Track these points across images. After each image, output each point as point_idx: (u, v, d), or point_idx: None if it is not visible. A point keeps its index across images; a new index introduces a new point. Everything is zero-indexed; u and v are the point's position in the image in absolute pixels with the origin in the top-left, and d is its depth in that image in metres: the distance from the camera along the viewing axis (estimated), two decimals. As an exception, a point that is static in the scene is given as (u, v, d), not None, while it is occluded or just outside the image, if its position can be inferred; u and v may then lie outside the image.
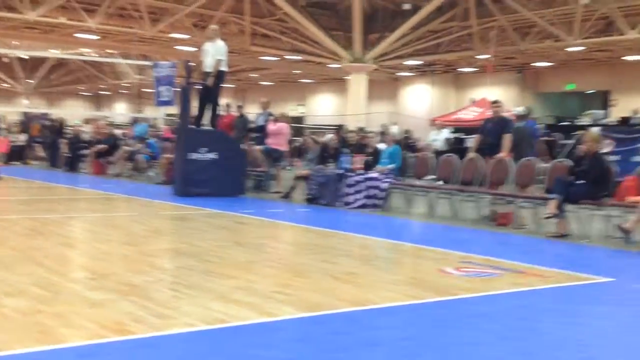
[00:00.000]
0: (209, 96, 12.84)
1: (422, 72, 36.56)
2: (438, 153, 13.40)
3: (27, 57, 45.84)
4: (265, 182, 13.65)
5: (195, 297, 4.84)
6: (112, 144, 17.85)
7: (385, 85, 37.88)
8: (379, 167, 11.69)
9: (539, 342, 4.13)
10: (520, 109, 13.28)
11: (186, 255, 6.66)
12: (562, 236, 8.70)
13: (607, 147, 12.41)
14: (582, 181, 8.79)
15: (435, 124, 24.73)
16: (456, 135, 16.17)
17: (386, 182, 11.33)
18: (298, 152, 14.26)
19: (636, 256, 7.63)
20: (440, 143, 16.65)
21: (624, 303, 5.42)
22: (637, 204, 8.07)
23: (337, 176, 11.71)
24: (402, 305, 4.87)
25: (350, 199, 11.47)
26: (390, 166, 11.56)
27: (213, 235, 8.19)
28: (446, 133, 16.98)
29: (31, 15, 26.78)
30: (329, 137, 13.80)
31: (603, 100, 31.05)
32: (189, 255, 6.58)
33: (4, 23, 29.48)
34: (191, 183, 12.16)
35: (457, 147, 15.52)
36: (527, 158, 10.46)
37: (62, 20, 28.59)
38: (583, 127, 16.64)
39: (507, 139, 10.79)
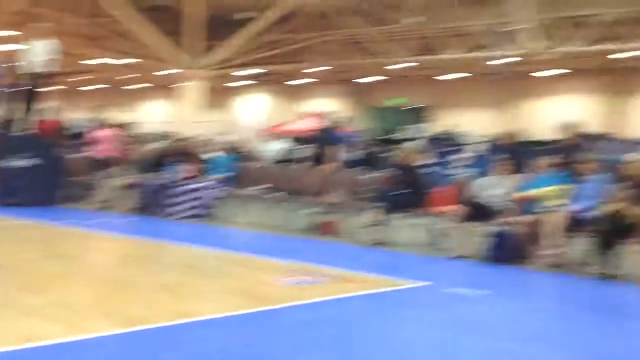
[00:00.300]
0: (29, 99, 12.05)
1: (258, 81, 36.86)
2: (276, 163, 13.48)
3: None
4: (87, 191, 13.00)
5: (6, 313, 4.52)
6: None
7: (219, 93, 37.68)
8: (209, 176, 11.58)
9: (358, 347, 4.28)
10: (324, 120, 13.99)
11: (-4, 269, 6.19)
12: (382, 243, 9.11)
13: (425, 159, 13.19)
14: (402, 191, 9.27)
15: (270, 133, 25.01)
16: (290, 145, 16.44)
17: (216, 191, 11.25)
18: (124, 160, 13.72)
19: (449, 261, 8.15)
20: (277, 153, 16.80)
21: (438, 306, 5.76)
22: (451, 212, 8.64)
23: (165, 185, 11.45)
24: (228, 316, 4.85)
25: (179, 208, 11.24)
26: (222, 175, 11.50)
27: (26, 248, 7.66)
28: (283, 143, 17.19)
29: None
30: (158, 144, 13.45)
31: (426, 114, 33.05)
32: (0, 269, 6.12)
33: None
34: (4, 192, 11.28)
35: (290, 157, 15.77)
36: (354, 168, 10.88)
37: None
38: (406, 140, 17.58)
39: (334, 150, 11.14)
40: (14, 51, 24.06)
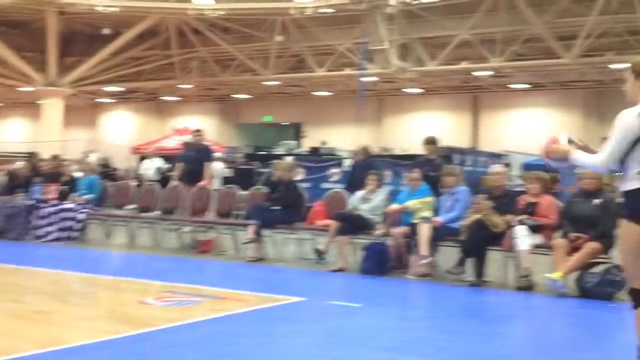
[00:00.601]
0: None
1: (124, 99, 35.81)
2: (149, 181, 13.06)
3: None
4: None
5: None
6: None
7: (84, 111, 36.28)
8: (75, 197, 11.05)
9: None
10: (188, 138, 14.24)
11: None
12: (260, 260, 9.09)
13: (299, 175, 13.36)
14: (277, 207, 9.31)
15: (140, 151, 24.35)
16: (162, 163, 16.04)
17: (83, 212, 10.76)
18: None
19: (326, 275, 8.25)
20: (152, 172, 16.33)
21: (314, 320, 5.81)
22: (327, 227, 8.76)
23: (28, 207, 10.84)
24: (98, 342, 4.63)
25: (43, 231, 10.67)
26: (88, 196, 11.01)
27: None
28: (158, 162, 16.71)
29: None
30: (18, 165, 12.72)
31: (296, 131, 33.46)
32: None
33: None
34: None
35: (162, 175, 15.38)
36: (228, 185, 10.78)
37: None
38: (279, 156, 17.71)
39: (208, 167, 11.01)
40: None
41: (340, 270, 8.30)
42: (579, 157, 3.92)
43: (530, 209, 7.64)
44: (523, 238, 7.29)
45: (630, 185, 3.70)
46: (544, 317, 6.57)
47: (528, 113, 29.12)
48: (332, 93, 31.82)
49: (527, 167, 17.52)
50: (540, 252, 7.49)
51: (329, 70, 26.99)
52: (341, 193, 9.75)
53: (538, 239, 7.43)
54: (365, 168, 11.37)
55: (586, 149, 4.00)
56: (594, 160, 3.89)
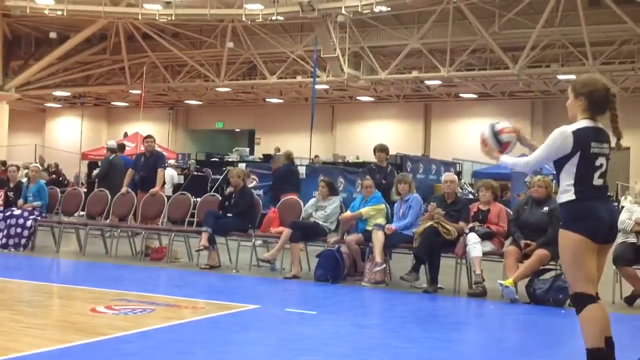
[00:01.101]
0: None
1: (72, 104, 35.13)
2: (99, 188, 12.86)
3: None
4: None
5: None
6: None
7: (30, 116, 35.48)
8: (21, 202, 10.76)
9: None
10: (111, 143, 14.59)
11: None
12: (213, 267, 9.03)
13: (252, 182, 13.33)
14: (231, 214, 9.26)
15: (87, 158, 23.90)
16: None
17: (31, 219, 10.49)
18: None
19: (279, 283, 8.24)
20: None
21: (268, 328, 5.80)
22: (279, 234, 8.76)
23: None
24: (50, 351, 4.53)
25: (-9, 238, 10.36)
26: (37, 203, 10.74)
27: None
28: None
29: None
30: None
31: (249, 138, 33.36)
32: None
33: None
34: None
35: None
36: (180, 192, 10.69)
37: None
38: (231, 163, 17.62)
39: (160, 173, 10.90)
40: None
41: (294, 277, 8.31)
42: (505, 160, 4.24)
43: (482, 217, 7.79)
44: (475, 245, 7.42)
45: (564, 197, 3.98)
46: (497, 324, 6.71)
47: (478, 122, 29.64)
48: (284, 100, 31.87)
49: (478, 175, 17.89)
50: (491, 259, 7.65)
51: (281, 78, 27.02)
52: (295, 200, 9.76)
53: (489, 246, 7.58)
54: (287, 174, 11.57)
55: (522, 138, 4.31)
56: (518, 162, 4.24)
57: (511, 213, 7.86)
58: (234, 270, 8.97)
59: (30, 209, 10.59)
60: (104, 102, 35.36)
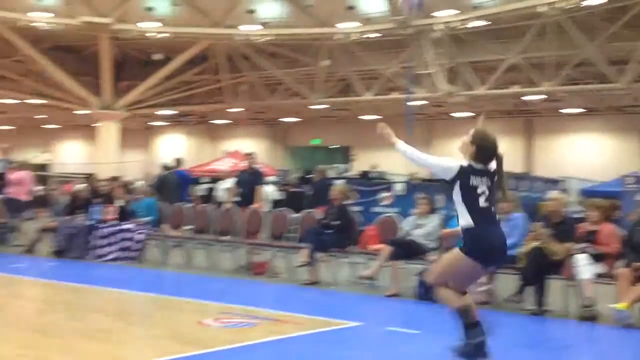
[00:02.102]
0: None
1: (176, 122, 36.51)
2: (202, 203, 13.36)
3: None
4: (5, 235, 12.45)
5: None
6: None
7: (138, 133, 37.09)
8: (134, 218, 11.27)
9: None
10: (165, 161, 15.38)
11: None
12: (314, 283, 9.11)
13: (352, 198, 13.37)
14: (330, 231, 9.33)
15: (191, 174, 24.65)
16: (213, 186, 16.30)
17: (141, 233, 10.98)
18: (43, 202, 13.24)
19: (380, 300, 8.21)
20: (223, 193, 16.56)
21: (373, 346, 5.78)
22: (378, 251, 8.74)
23: (88, 227, 11.10)
24: (160, 362, 4.72)
25: (103, 251, 10.92)
26: (147, 219, 11.24)
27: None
28: (228, 183, 16.98)
29: None
30: (80, 186, 13.06)
31: (345, 154, 33.51)
32: None
33: None
34: None
35: (214, 197, 15.67)
36: (279, 209, 10.89)
37: None
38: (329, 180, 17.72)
39: (259, 190, 11.15)
40: None
41: (394, 295, 8.25)
42: (401, 147, 5.01)
43: (591, 237, 7.50)
44: (585, 267, 7.15)
45: (461, 221, 4.67)
46: (609, 349, 6.43)
47: (584, 138, 28.64)
48: (380, 116, 31.85)
49: (586, 193, 17.14)
50: (602, 282, 7.33)
51: (376, 94, 27.06)
52: (393, 217, 9.72)
53: (600, 267, 7.28)
54: (321, 189, 11.53)
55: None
56: (413, 152, 4.95)
57: (622, 233, 7.52)
58: (335, 287, 9.01)
59: (141, 223, 11.08)
60: (205, 120, 36.52)
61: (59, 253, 11.24)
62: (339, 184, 12.37)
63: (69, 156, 39.73)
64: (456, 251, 4.72)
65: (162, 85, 29.52)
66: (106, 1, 25.42)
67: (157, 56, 29.23)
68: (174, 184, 13.17)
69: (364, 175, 19.02)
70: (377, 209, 13.08)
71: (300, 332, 6.01)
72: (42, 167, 31.12)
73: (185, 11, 26.16)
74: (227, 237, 10.69)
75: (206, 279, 9.67)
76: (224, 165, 24.39)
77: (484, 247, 4.61)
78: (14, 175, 12.61)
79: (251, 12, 25.58)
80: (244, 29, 25.75)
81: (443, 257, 4.99)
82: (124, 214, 11.33)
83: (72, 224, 11.35)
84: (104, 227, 11.05)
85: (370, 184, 15.42)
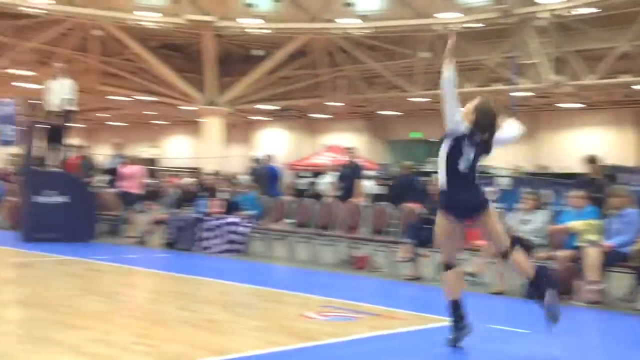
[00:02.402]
0: (56, 136, 12.27)
1: (277, 116, 37.13)
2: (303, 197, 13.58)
3: None
4: (118, 227, 13.11)
5: (45, 350, 4.52)
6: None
7: (240, 128, 38.00)
8: (238, 211, 11.57)
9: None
10: (257, 154, 15.97)
11: (34, 305, 6.24)
12: (415, 279, 9.04)
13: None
14: (431, 225, 9.18)
15: (292, 168, 25.07)
16: (314, 179, 16.47)
17: (246, 226, 11.26)
18: (154, 196, 13.83)
19: (485, 298, 8.04)
20: (324, 187, 16.78)
21: (479, 344, 5.65)
22: (482, 247, 8.55)
23: (196, 220, 11.50)
24: (265, 354, 4.81)
25: (210, 243, 11.28)
26: (251, 212, 11.52)
27: (63, 284, 7.74)
28: (330, 177, 17.19)
29: None
30: (189, 180, 13.57)
31: (445, 148, 32.90)
32: (37, 306, 6.18)
33: None
34: (38, 227, 11.44)
35: (314, 191, 15.84)
36: (379, 203, 10.86)
37: None
38: (429, 174, 17.51)
39: (358, 184, 11.16)
40: (34, 90, 24.63)
41: (500, 293, 8.06)
42: (447, 74, 5.27)
43: None
44: None
45: (440, 181, 5.20)
46: None
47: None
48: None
49: None
50: None
51: (478, 86, 26.45)
52: (499, 212, 9.45)
53: None
54: (406, 184, 11.40)
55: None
56: (448, 90, 5.26)
57: None
58: (436, 283, 8.87)
59: (245, 216, 11.36)
60: (305, 115, 36.94)
61: (169, 245, 11.71)
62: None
63: (175, 151, 41.29)
64: (437, 216, 5.28)
65: (263, 80, 30.08)
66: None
67: (257, 52, 29.82)
68: (264, 178, 13.41)
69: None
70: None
71: (404, 328, 5.98)
72: (151, 161, 32.42)
73: (285, 6, 26.51)
74: (328, 231, 10.78)
75: (308, 272, 9.80)
76: (324, 159, 24.61)
77: (451, 203, 5.17)
78: (126, 170, 13.25)
79: (349, 5, 25.61)
80: (343, 22, 25.81)
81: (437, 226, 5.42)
82: (229, 208, 11.64)
83: (180, 216, 11.78)
84: (210, 220, 11.41)
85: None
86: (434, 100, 30.34)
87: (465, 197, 5.14)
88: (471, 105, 5.19)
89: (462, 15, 24.23)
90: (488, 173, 16.80)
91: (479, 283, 8.62)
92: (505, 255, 5.24)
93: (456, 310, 5.35)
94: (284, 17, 26.51)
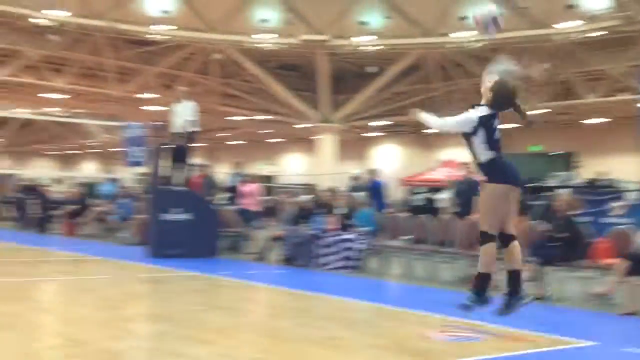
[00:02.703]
0: (180, 156, 12.83)
1: (390, 132, 37.08)
2: (418, 213, 13.42)
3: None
4: (238, 243, 13.50)
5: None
6: (83, 204, 17.55)
7: (353, 145, 38.25)
8: (354, 228, 11.61)
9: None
10: (357, 172, 15.61)
11: (162, 319, 6.49)
12: (540, 298, 8.69)
13: (580, 208, 12.59)
14: (556, 243, 8.84)
15: (407, 184, 24.90)
16: (429, 195, 16.27)
17: (362, 243, 11.27)
18: (271, 212, 14.16)
19: (614, 319, 7.62)
20: (442, 203, 16.56)
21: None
22: (612, 266, 8.12)
23: (312, 237, 11.63)
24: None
25: (326, 259, 11.36)
26: (366, 229, 11.52)
27: (189, 298, 8.01)
28: (446, 193, 17.01)
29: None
30: (306, 197, 13.79)
31: (566, 161, 31.64)
32: (166, 320, 6.42)
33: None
34: (165, 244, 11.97)
35: (430, 207, 15.63)
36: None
37: (31, 80, 28.44)
38: (551, 189, 16.90)
39: (477, 201, 10.87)
40: (160, 112, 25.94)
41: (631, 314, 7.60)
42: (425, 118, 6.09)
43: None
44: None
45: (483, 158, 5.71)
46: None
47: None
48: (607, 119, 29.71)
49: None
50: None
51: (602, 96, 25.27)
52: (627, 229, 8.97)
53: None
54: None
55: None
56: (435, 123, 6.09)
57: None
58: (563, 303, 8.53)
59: (361, 233, 11.38)
60: (418, 130, 36.62)
61: (287, 260, 11.90)
62: (564, 193, 11.72)
63: (291, 168, 42.11)
64: (488, 188, 5.62)
65: (376, 96, 30.18)
66: (323, 19, 26.63)
67: (371, 69, 29.96)
68: (368, 194, 13.17)
69: (591, 183, 17.82)
70: (607, 220, 12.19)
71: (533, 350, 5.76)
72: (268, 178, 33.22)
73: (397, 22, 26.53)
74: (446, 248, 10.59)
75: (426, 290, 9.65)
76: (439, 174, 24.28)
77: (508, 169, 5.70)
78: (245, 188, 13.64)
79: (463, 19, 25.26)
80: (457, 36, 25.49)
81: (480, 203, 5.87)
82: (345, 224, 11.70)
83: (298, 233, 11.96)
84: (326, 236, 11.51)
85: (599, 192, 14.41)
86: (554, 112, 29.29)
87: (513, 166, 5.76)
88: (488, 84, 5.74)
89: (583, 23, 23.30)
90: (614, 187, 15.96)
91: (609, 303, 8.18)
92: (507, 240, 5.78)
93: (487, 284, 5.94)
94: (395, 33, 26.53)
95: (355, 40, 27.02)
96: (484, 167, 5.75)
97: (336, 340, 5.78)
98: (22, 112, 37.63)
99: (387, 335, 6.36)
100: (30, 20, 25.24)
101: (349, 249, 11.24)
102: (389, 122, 33.76)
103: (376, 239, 11.58)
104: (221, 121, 35.40)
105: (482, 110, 5.73)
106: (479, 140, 5.68)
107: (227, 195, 14.33)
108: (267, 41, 27.50)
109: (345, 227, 11.66)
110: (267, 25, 27.43)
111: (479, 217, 5.97)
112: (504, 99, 5.69)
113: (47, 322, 6.46)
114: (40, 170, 48.82)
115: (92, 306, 7.18)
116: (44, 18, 25.24)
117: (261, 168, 37.56)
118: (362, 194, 13.35)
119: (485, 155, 5.66)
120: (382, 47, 26.76)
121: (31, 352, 4.94)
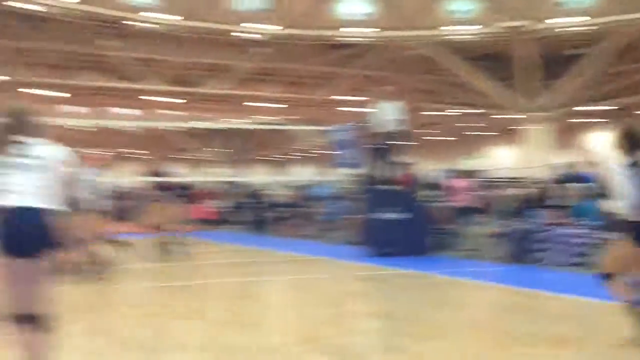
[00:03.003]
0: (390, 156, 12.97)
1: (603, 117, 34.62)
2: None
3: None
4: (449, 240, 13.32)
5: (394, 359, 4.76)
6: (300, 206, 18.49)
7: (562, 133, 36.26)
8: (577, 221, 10.94)
9: None
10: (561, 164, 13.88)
11: (385, 316, 6.59)
12: None
13: None
14: None
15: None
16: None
17: (590, 237, 10.57)
18: (485, 208, 13.79)
19: None
20: None
21: None
22: None
23: (532, 231, 11.15)
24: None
25: (548, 255, 10.83)
26: (592, 222, 10.79)
27: (410, 296, 8.07)
28: None
29: (216, 89, 28.86)
30: (517, 191, 13.26)
31: None
32: (389, 317, 6.51)
33: (190, 97, 32.00)
34: (380, 243, 12.22)
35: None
36: None
37: (244, 92, 30.47)
38: None
39: None
40: (358, 113, 26.46)
41: None
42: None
43: None
44: None
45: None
46: None
47: None
48: None
49: None
50: None
51: None
52: None
53: None
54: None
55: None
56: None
57: None
58: None
59: (586, 227, 10.72)
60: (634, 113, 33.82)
61: (505, 257, 11.51)
62: None
63: (497, 161, 40.87)
64: (628, 244, 5.06)
65: (585, 81, 28.32)
66: (518, 4, 25.52)
67: (573, 51, 28.19)
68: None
69: None
70: None
71: None
72: (477, 173, 32.54)
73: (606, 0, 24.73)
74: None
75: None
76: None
77: None
78: (456, 183, 13.43)
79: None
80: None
81: (617, 250, 5.39)
82: (568, 218, 11.07)
83: (515, 228, 11.53)
84: (547, 230, 10.97)
85: None
86: None
87: None
88: (616, 136, 5.28)
89: None
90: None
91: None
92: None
93: None
94: (605, 11, 24.71)
95: (559, 21, 25.55)
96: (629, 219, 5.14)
97: (569, 343, 5.47)
98: (241, 122, 39.93)
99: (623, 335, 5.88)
100: (234, 34, 26.84)
101: (575, 244, 10.60)
102: (601, 108, 31.53)
103: (603, 233, 10.80)
104: (422, 117, 35.37)
105: (624, 160, 5.28)
106: (623, 183, 5.18)
107: (436, 192, 14.20)
108: (467, 32, 26.96)
109: (569, 221, 11.03)
110: (462, 17, 26.94)
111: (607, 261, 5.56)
112: (632, 139, 5.29)
113: (283, 319, 6.83)
114: (260, 177, 52.03)
115: (317, 304, 7.48)
116: (256, 33, 26.80)
117: (468, 163, 36.94)
118: (587, 184, 12.55)
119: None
120: (595, 27, 24.96)
121: (269, 347, 5.24)
